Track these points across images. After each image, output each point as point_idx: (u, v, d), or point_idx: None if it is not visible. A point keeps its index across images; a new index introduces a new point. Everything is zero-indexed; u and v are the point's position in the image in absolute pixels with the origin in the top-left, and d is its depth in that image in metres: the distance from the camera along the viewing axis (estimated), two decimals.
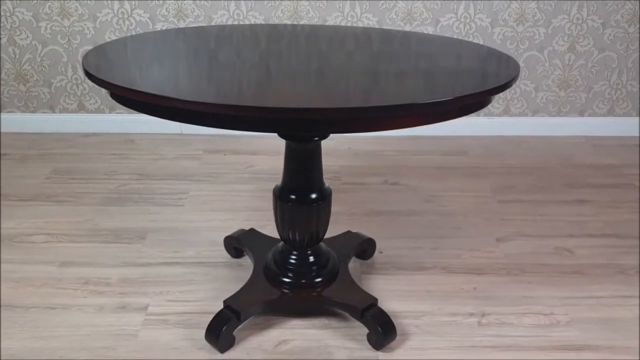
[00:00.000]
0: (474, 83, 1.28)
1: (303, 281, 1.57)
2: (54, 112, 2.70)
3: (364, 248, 1.81)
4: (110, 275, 1.76)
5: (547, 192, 2.30)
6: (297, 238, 1.53)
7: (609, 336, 1.56)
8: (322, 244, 1.62)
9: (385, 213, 2.13)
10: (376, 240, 1.88)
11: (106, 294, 1.68)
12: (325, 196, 1.50)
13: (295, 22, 2.55)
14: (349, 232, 1.82)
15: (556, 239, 1.99)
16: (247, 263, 1.80)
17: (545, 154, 2.64)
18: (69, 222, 2.03)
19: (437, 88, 1.26)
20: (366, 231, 1.92)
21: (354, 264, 1.80)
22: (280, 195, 1.50)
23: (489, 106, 2.66)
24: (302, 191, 1.48)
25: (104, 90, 2.78)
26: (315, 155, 1.47)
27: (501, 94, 2.71)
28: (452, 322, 1.60)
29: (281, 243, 1.62)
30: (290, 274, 1.58)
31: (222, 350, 1.47)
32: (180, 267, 1.80)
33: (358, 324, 1.53)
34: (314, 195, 1.48)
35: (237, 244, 1.79)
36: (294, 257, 1.59)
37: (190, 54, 1.48)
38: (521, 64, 2.67)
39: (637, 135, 2.81)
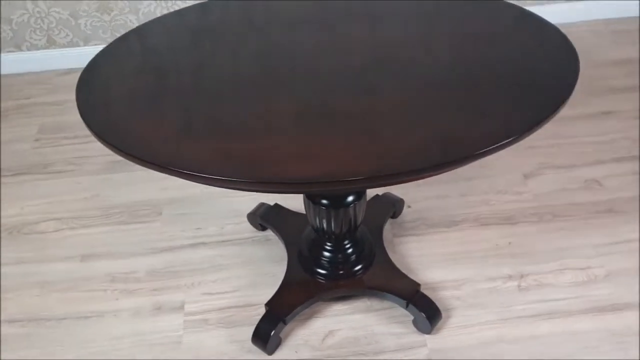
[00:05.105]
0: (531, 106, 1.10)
1: (341, 272, 1.53)
2: (21, 50, 2.41)
3: (395, 209, 1.75)
4: (136, 268, 1.69)
5: (570, 105, 2.18)
6: (332, 232, 1.46)
7: None
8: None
9: None
10: (403, 189, 1.81)
11: (138, 293, 1.63)
12: (361, 194, 1.40)
13: None
14: (377, 196, 1.74)
15: (584, 168, 1.93)
16: (275, 236, 1.74)
17: None
18: (76, 199, 1.91)
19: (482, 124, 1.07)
20: None
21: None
22: (312, 196, 1.40)
23: None
24: (336, 196, 1.37)
25: (73, 22, 2.49)
26: None
27: None
28: (492, 289, 1.60)
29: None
30: (327, 265, 1.53)
31: (271, 352, 1.47)
32: (206, 249, 1.73)
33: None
34: (350, 198, 1.37)
35: (262, 221, 1.71)
36: (329, 247, 1.53)
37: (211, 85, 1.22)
38: None
39: None
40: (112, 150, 1.00)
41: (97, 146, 2.10)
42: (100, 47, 2.40)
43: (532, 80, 1.14)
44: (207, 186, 1.89)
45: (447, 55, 1.22)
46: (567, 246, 1.70)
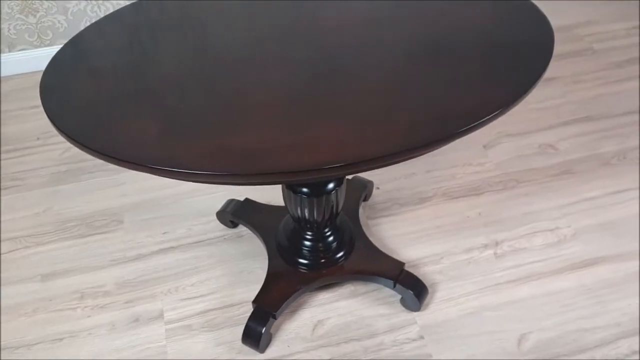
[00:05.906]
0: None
1: (323, 260, 1.50)
2: None
3: (366, 192, 1.74)
4: (104, 281, 1.60)
5: None
6: (314, 220, 1.43)
7: (613, 243, 1.65)
8: None
9: None
10: (370, 172, 1.80)
11: (110, 307, 1.54)
12: (342, 180, 1.38)
13: None
14: (347, 181, 1.72)
15: (537, 134, 1.99)
16: (248, 232, 1.69)
17: None
18: (27, 216, 1.78)
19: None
20: None
21: None
22: (292, 186, 1.36)
23: None
24: (317, 184, 1.34)
25: None
26: None
27: None
28: (470, 259, 1.62)
29: (291, 220, 1.51)
30: (309, 255, 1.50)
31: (263, 350, 1.43)
32: (177, 253, 1.66)
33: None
34: (331, 185, 1.35)
35: (234, 218, 1.66)
36: (310, 236, 1.50)
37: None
38: None
39: None
40: (95, 156, 0.93)
41: (38, 158, 1.98)
42: (28, 52, 2.24)
43: (510, 52, 1.16)
44: (168, 188, 1.83)
45: (420, 33, 1.22)
46: (533, 210, 1.75)
